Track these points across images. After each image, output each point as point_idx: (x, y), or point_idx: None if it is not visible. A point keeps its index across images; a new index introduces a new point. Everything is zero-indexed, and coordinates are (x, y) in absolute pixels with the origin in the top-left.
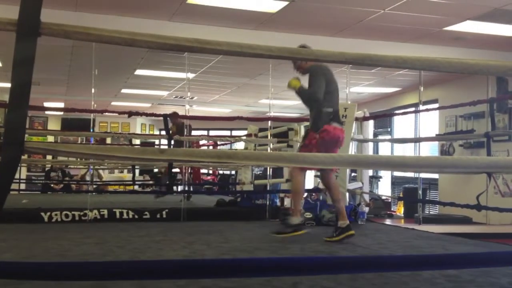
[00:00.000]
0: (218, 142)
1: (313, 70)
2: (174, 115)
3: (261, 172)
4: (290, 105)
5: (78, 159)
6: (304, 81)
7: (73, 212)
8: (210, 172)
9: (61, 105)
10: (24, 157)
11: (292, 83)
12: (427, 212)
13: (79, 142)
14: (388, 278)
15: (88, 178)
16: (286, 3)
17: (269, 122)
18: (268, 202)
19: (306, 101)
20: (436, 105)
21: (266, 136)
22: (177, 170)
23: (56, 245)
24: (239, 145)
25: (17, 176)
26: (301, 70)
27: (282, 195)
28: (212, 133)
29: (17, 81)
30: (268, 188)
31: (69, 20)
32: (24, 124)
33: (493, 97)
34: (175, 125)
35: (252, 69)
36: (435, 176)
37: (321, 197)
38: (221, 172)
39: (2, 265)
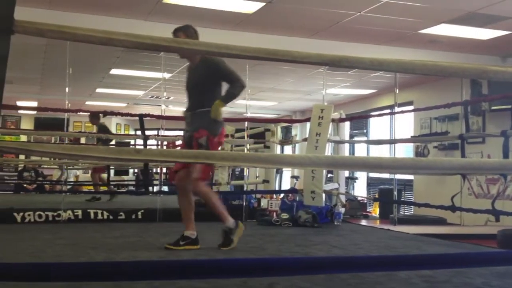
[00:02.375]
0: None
1: (217, 59)
2: (94, 116)
3: (238, 172)
4: (267, 106)
5: (52, 159)
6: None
7: (46, 213)
8: None
9: (34, 104)
10: None
11: (218, 107)
12: (402, 213)
13: (52, 141)
14: (363, 278)
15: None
16: (263, 4)
17: (246, 122)
18: (244, 203)
19: (233, 96)
20: (411, 107)
21: (243, 137)
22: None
23: (29, 246)
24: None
25: None
26: (192, 60)
27: (259, 196)
28: None
29: None
30: (244, 189)
31: (43, 18)
32: None
33: (467, 99)
34: (98, 126)
35: None
36: (410, 177)
37: (297, 198)
38: None
39: None
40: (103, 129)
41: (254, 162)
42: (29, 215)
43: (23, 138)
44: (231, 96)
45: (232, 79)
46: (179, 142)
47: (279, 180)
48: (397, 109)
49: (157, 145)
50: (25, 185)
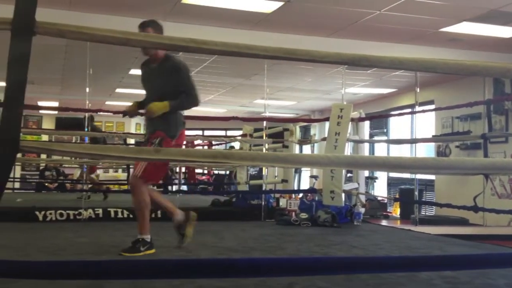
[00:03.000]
0: (213, 142)
1: (182, 65)
2: (91, 119)
3: (256, 172)
4: (285, 106)
5: (72, 158)
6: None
7: (67, 211)
8: (205, 171)
9: (55, 104)
10: (19, 155)
11: (159, 107)
12: (424, 213)
13: (73, 141)
14: (384, 279)
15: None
16: (281, 3)
17: (264, 122)
18: (263, 203)
19: (182, 108)
20: (432, 106)
21: (261, 136)
22: None
23: (50, 244)
24: (234, 145)
25: (11, 175)
26: (154, 57)
27: (277, 195)
28: (207, 133)
29: (12, 80)
30: (263, 188)
31: (63, 19)
32: (19, 123)
33: (489, 98)
34: (92, 128)
35: (247, 69)
36: (432, 177)
37: (316, 198)
38: (216, 172)
39: None
40: (96, 130)
41: (273, 161)
42: (50, 213)
43: (45, 137)
44: (181, 107)
45: (190, 92)
46: (198, 142)
47: (298, 180)
48: (418, 108)
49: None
50: (46, 184)
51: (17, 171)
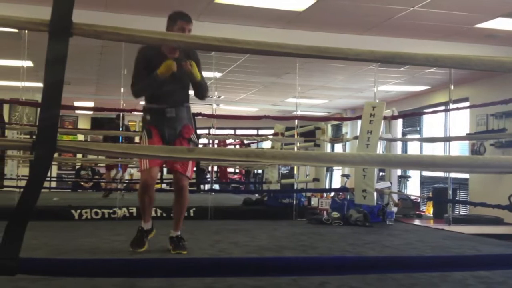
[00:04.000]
0: (245, 141)
1: (197, 56)
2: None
3: (287, 171)
4: (317, 104)
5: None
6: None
7: (102, 210)
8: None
9: (91, 104)
10: (55, 155)
11: (195, 70)
12: (457, 212)
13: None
14: (417, 279)
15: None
16: (313, 1)
17: (296, 121)
18: (295, 201)
19: (202, 87)
20: (466, 104)
21: (293, 135)
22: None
23: (86, 242)
24: (266, 144)
25: (48, 174)
26: (175, 50)
27: (309, 194)
28: (238, 132)
29: (50, 80)
30: (295, 187)
31: (99, 20)
32: (56, 123)
33: None
34: (112, 124)
35: (279, 68)
36: (465, 176)
37: (348, 197)
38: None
39: (33, 261)
40: (112, 127)
41: (305, 160)
42: (86, 212)
43: (80, 137)
44: (204, 86)
45: (206, 85)
46: (230, 141)
47: (329, 179)
48: (452, 105)
49: (208, 143)
50: (82, 183)
51: (54, 171)
